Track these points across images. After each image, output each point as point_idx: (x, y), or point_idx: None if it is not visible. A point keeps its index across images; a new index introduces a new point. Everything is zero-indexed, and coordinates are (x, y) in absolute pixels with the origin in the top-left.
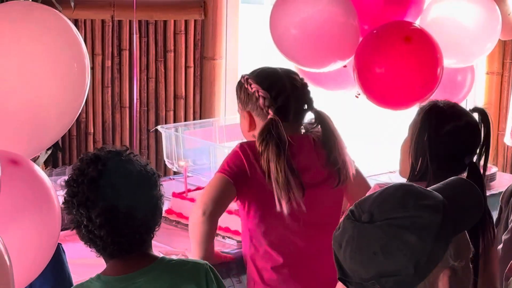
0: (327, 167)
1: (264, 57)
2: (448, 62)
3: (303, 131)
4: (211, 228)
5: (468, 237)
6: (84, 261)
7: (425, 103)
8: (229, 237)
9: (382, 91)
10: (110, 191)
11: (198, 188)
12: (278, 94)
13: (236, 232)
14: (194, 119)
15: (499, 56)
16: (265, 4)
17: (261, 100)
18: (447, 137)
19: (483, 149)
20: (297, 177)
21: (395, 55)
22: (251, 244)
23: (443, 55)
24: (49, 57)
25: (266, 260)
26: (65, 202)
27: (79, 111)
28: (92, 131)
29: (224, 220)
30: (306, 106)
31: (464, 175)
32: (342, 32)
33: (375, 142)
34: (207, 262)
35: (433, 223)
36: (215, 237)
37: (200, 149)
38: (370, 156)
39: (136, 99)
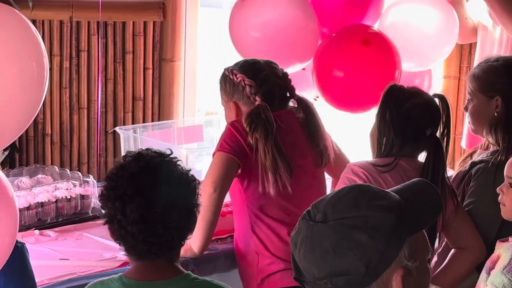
0: (310, 145)
1: (223, 60)
2: (406, 65)
3: None
4: (220, 206)
5: (426, 237)
6: (40, 263)
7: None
8: None
9: (340, 94)
10: (148, 188)
11: None
12: (263, 82)
13: None
14: (152, 120)
15: (456, 60)
16: (224, 8)
17: (247, 88)
18: (408, 113)
19: (445, 133)
20: (285, 157)
21: (354, 58)
22: (250, 220)
23: (401, 59)
24: (7, 56)
25: (270, 232)
26: (101, 195)
27: (37, 111)
28: (49, 132)
29: None
30: (288, 94)
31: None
32: (301, 35)
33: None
34: None
35: (386, 223)
36: None
37: None
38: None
39: (96, 100)
